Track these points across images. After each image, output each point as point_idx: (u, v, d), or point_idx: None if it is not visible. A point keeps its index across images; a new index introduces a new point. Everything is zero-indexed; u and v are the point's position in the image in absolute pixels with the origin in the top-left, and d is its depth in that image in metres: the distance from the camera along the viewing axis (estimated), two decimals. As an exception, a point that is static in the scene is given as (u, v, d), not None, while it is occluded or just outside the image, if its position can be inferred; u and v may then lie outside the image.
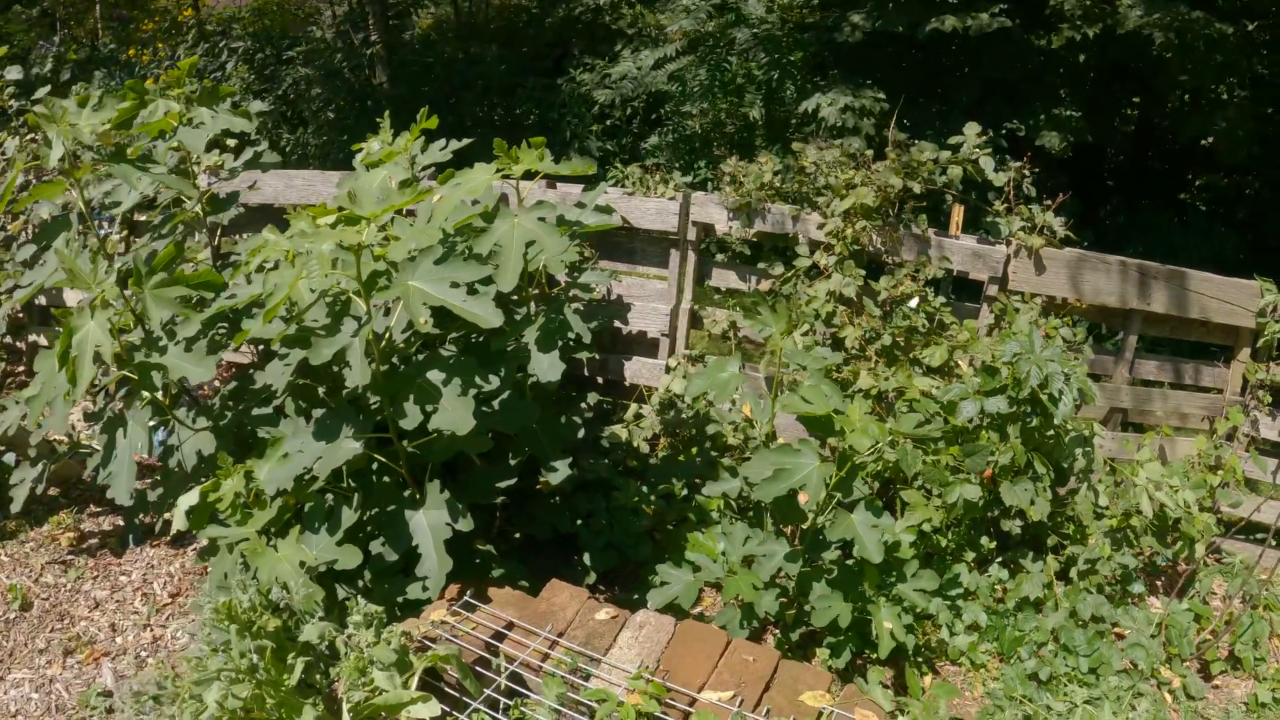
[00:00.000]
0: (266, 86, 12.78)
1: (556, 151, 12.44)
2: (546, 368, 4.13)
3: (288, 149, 12.22)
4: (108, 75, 12.02)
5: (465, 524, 3.79)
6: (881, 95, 8.72)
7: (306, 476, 3.75)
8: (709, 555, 4.31)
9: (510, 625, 3.63)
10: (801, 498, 3.65)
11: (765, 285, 5.32)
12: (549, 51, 13.49)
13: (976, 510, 4.68)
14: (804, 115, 8.88)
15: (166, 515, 4.89)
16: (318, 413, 3.87)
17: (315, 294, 3.56)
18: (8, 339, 6.37)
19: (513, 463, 4.28)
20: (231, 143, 5.28)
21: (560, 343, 4.20)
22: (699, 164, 10.17)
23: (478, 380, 3.80)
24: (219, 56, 12.93)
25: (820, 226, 5.17)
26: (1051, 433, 4.75)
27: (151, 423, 4.29)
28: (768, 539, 4.10)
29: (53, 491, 5.54)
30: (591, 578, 4.59)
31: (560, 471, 4.31)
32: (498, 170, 4.05)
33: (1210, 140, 10.44)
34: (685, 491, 4.99)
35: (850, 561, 4.11)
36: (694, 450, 5.26)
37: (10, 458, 5.27)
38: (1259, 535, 5.45)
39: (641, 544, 4.75)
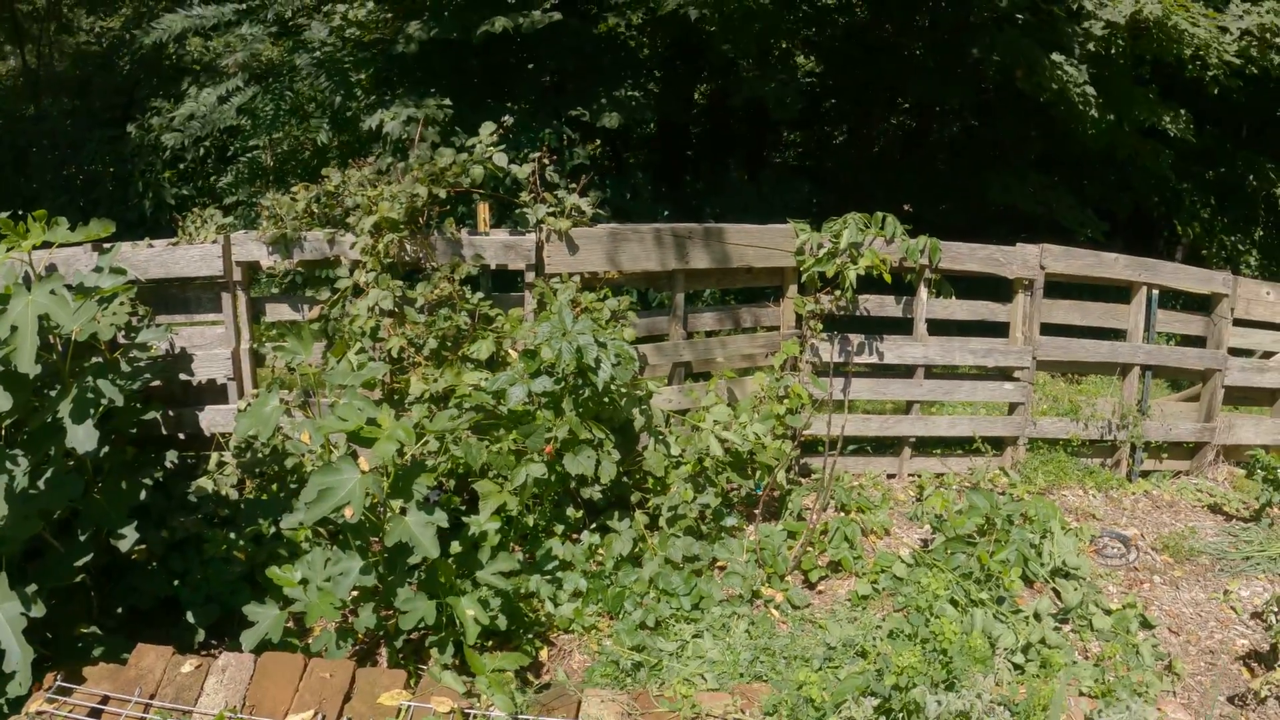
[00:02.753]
0: None
1: (128, 206, 11.98)
2: (83, 438, 4.07)
3: None
4: None
5: (38, 610, 3.72)
6: (447, 102, 8.88)
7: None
8: (290, 586, 4.33)
9: (105, 699, 3.65)
10: (347, 512, 3.74)
11: (316, 312, 5.34)
12: (118, 100, 12.83)
13: (551, 486, 4.92)
14: (370, 133, 8.93)
15: None
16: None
17: None
18: None
19: (82, 538, 4.23)
20: None
21: (94, 412, 4.14)
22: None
23: (8, 465, 3.75)
24: None
25: (353, 246, 5.24)
26: (608, 399, 5.07)
27: None
28: (345, 558, 4.16)
29: None
30: (200, 635, 4.55)
31: (129, 537, 4.30)
32: (8, 249, 4.05)
33: (753, 100, 11.28)
34: (274, 529, 4.97)
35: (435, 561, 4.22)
36: (274, 486, 5.24)
37: None
38: (851, 448, 6.03)
39: (240, 591, 4.69)
